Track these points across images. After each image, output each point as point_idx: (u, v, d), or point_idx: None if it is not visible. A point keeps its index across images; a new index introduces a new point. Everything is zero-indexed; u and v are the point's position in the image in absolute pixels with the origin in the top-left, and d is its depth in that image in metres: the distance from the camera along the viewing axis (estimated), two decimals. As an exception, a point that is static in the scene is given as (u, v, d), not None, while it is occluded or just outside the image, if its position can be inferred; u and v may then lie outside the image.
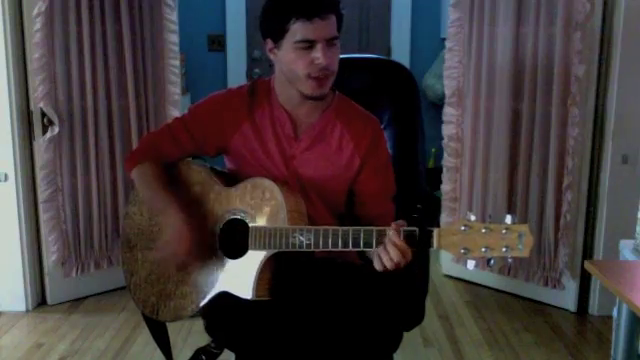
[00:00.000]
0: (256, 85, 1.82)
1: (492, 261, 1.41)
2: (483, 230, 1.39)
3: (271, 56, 1.72)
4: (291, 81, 1.69)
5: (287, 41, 1.64)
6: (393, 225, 1.48)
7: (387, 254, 1.48)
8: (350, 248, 1.53)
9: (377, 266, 1.52)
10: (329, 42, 1.63)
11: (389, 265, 1.49)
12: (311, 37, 1.61)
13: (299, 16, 1.60)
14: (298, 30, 1.61)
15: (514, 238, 1.38)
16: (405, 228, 1.47)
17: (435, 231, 1.45)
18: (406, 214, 1.63)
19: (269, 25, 1.67)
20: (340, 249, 1.53)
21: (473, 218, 1.42)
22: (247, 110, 1.78)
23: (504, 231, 1.38)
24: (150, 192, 1.79)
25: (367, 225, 1.55)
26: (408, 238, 1.47)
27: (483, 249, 1.39)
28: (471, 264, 1.44)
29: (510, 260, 1.40)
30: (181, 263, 1.71)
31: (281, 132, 1.76)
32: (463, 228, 1.41)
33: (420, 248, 1.46)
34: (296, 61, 1.64)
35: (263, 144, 1.77)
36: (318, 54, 1.61)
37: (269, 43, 1.70)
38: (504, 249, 1.38)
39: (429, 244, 1.45)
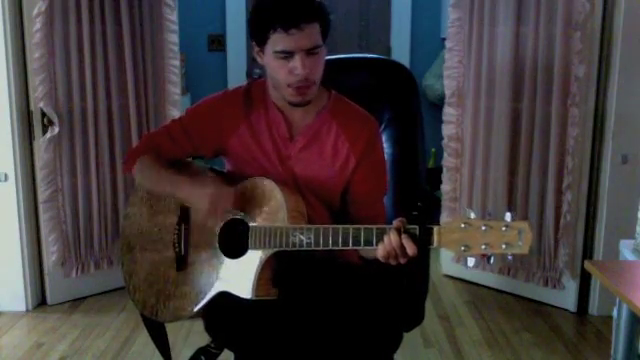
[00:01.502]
0: (252, 86, 1.82)
1: (492, 258, 1.40)
2: (483, 227, 1.39)
3: (258, 59, 1.72)
4: (275, 87, 1.71)
5: (268, 49, 1.64)
6: (395, 223, 1.48)
7: (392, 251, 1.47)
8: (350, 247, 1.52)
9: (379, 253, 1.50)
10: (309, 52, 1.62)
11: (393, 261, 1.49)
12: (289, 49, 1.60)
13: (277, 27, 1.59)
14: (277, 41, 1.61)
15: (514, 235, 1.37)
16: (406, 226, 1.47)
17: (435, 229, 1.44)
18: (406, 213, 1.63)
19: (253, 31, 1.68)
20: (340, 247, 1.53)
21: (473, 215, 1.42)
22: (244, 112, 1.78)
23: (504, 228, 1.38)
24: (156, 177, 1.78)
25: (357, 224, 1.55)
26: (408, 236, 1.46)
27: (483, 246, 1.39)
28: (471, 261, 1.44)
29: (510, 257, 1.39)
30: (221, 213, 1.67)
31: (276, 133, 1.76)
32: (463, 226, 1.40)
33: (420, 246, 1.46)
34: (277, 69, 1.64)
35: (260, 145, 1.77)
36: (297, 64, 1.61)
37: (255, 46, 1.70)
38: (504, 246, 1.37)
39: (429, 242, 1.44)
